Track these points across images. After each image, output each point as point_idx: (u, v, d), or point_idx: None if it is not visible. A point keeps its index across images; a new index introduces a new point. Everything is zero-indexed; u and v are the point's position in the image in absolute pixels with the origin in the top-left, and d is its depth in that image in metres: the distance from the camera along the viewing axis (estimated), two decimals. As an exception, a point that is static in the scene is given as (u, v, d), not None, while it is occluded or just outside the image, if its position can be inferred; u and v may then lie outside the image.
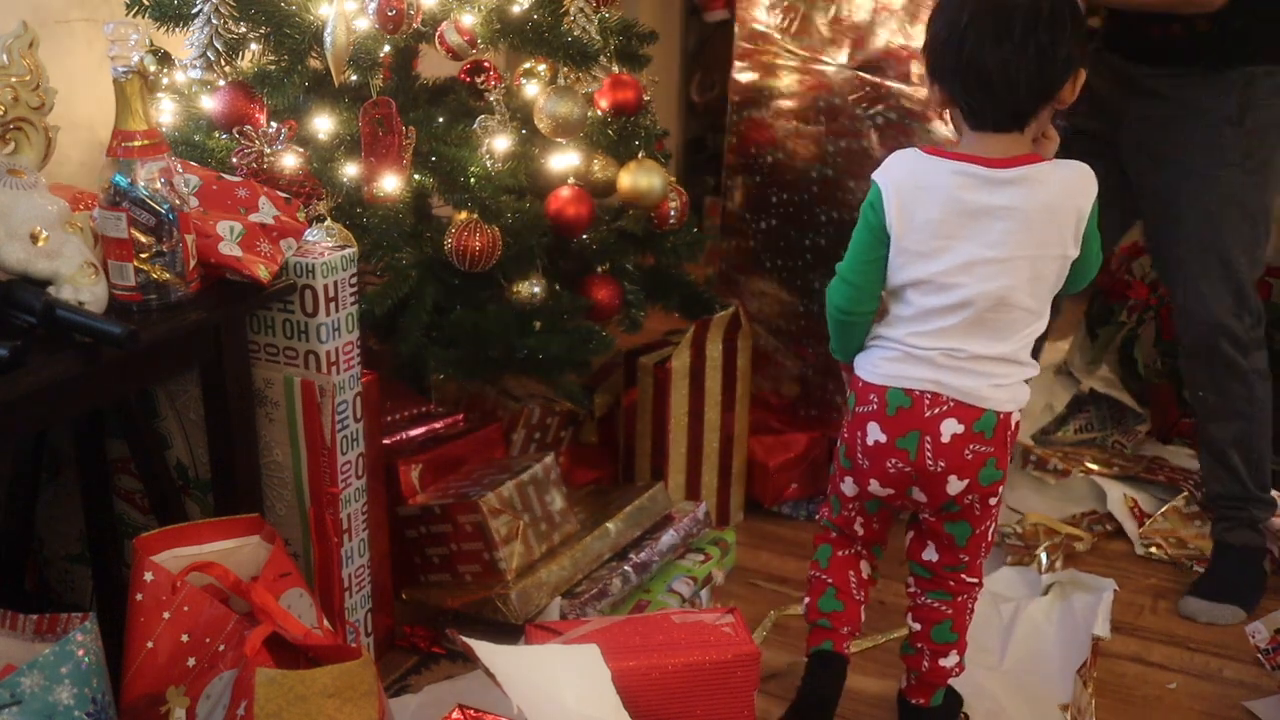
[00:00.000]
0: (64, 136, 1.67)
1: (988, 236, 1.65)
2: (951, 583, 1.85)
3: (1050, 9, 1.60)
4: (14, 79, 1.56)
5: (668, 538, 2.30)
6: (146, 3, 2.06)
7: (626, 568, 2.20)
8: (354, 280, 1.82)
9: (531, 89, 2.25)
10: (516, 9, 2.15)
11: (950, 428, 1.70)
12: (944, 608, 1.85)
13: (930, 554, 1.85)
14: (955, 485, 1.73)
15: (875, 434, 1.74)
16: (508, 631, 2.06)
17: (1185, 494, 2.59)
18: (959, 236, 1.66)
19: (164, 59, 2.10)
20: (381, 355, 2.19)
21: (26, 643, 1.57)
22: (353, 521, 1.89)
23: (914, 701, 1.92)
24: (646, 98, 2.30)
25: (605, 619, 1.84)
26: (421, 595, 2.19)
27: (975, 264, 1.66)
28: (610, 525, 2.25)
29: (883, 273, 1.73)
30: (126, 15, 2.07)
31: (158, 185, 1.58)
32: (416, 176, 2.10)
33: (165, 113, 2.07)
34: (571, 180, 2.23)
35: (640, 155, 2.29)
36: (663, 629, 1.79)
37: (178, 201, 1.59)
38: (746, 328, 2.53)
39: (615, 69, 2.28)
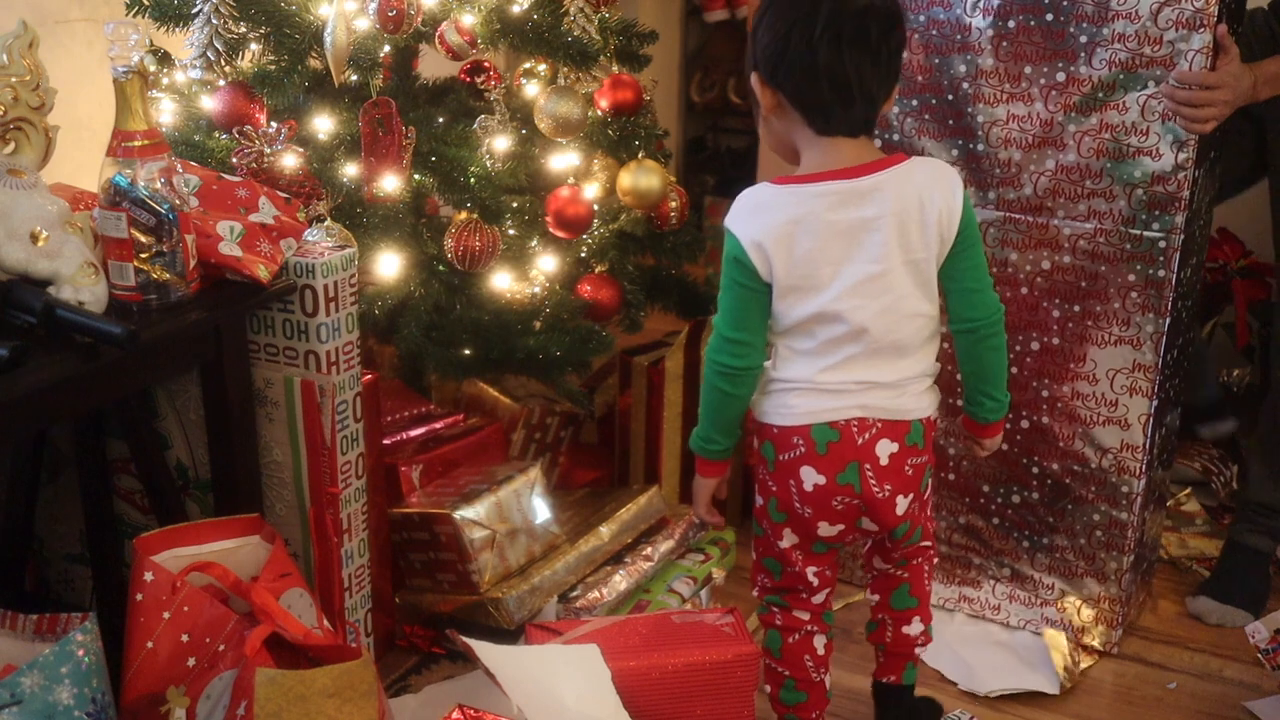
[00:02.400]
0: (64, 136, 1.67)
1: (868, 251, 1.58)
2: (910, 550, 1.81)
3: (894, 14, 1.57)
4: (14, 79, 1.56)
5: (664, 542, 2.29)
6: (146, 3, 2.06)
7: (622, 572, 2.20)
8: (354, 280, 1.81)
9: (531, 89, 2.25)
10: (516, 9, 2.15)
11: (886, 449, 1.64)
12: (899, 572, 1.82)
13: (880, 563, 1.84)
14: (902, 504, 1.68)
15: (813, 478, 1.64)
16: (502, 636, 2.06)
17: (1188, 492, 2.58)
18: (842, 259, 1.59)
19: (164, 59, 2.10)
20: (381, 355, 2.19)
21: (26, 643, 1.57)
22: (353, 521, 1.89)
23: (885, 680, 1.88)
24: (646, 98, 2.30)
25: (605, 619, 1.84)
26: (414, 599, 2.19)
27: (863, 283, 1.59)
28: (603, 529, 2.25)
29: (765, 320, 1.64)
30: (126, 15, 2.07)
31: (158, 185, 1.58)
32: (416, 176, 2.10)
33: (165, 113, 2.07)
34: (571, 180, 2.23)
35: (640, 155, 2.29)
36: (663, 629, 1.79)
37: (178, 201, 1.59)
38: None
39: (615, 69, 2.28)
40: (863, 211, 1.58)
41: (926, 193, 1.60)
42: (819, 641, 1.79)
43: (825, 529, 1.69)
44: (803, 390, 1.64)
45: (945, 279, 1.66)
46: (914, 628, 1.85)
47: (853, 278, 1.59)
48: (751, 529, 1.79)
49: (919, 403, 1.67)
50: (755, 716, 1.77)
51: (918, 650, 1.87)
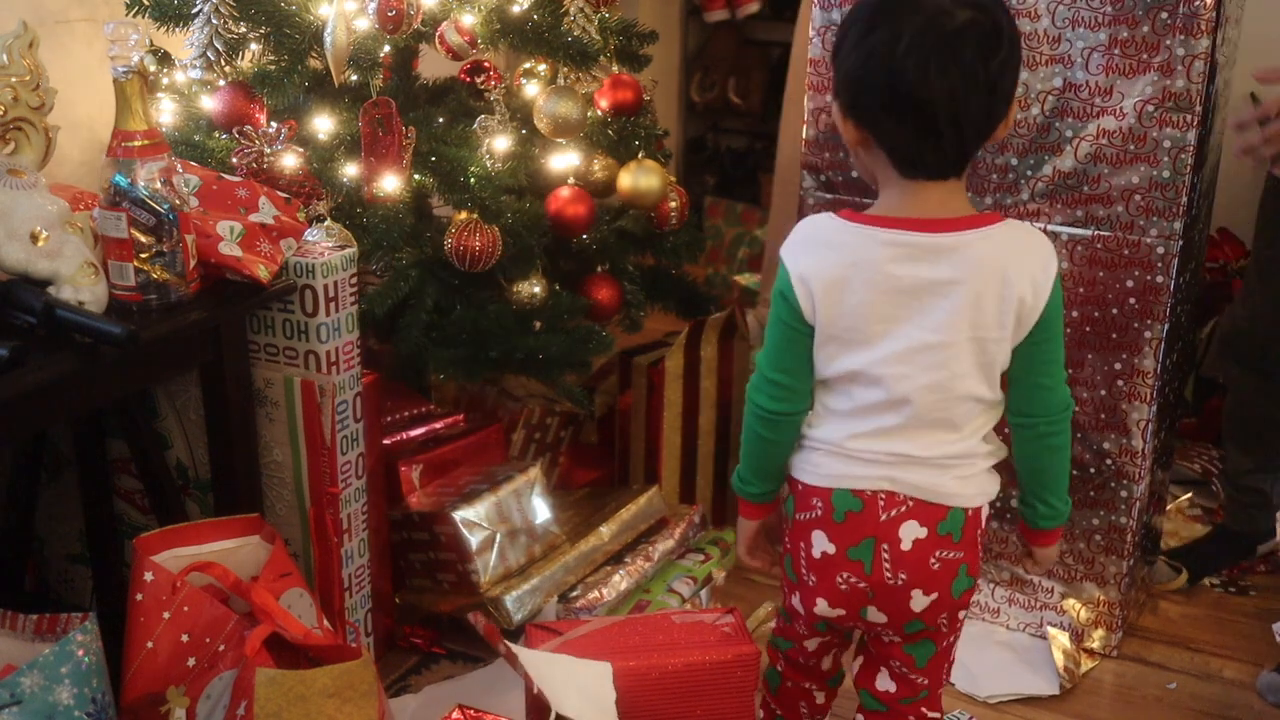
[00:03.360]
0: (64, 136, 1.67)
1: (931, 318, 1.38)
2: (911, 718, 1.59)
3: (998, 29, 1.32)
4: (14, 79, 1.56)
5: (664, 542, 2.29)
6: (146, 3, 2.06)
7: (622, 572, 2.20)
8: (354, 280, 1.82)
9: (531, 89, 2.25)
10: (516, 9, 2.15)
11: (911, 532, 1.43)
12: None
13: (885, 683, 1.58)
14: (921, 601, 1.45)
15: (822, 544, 1.46)
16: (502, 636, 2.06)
17: (1190, 495, 2.59)
18: (897, 319, 1.39)
19: (164, 59, 2.10)
20: (381, 355, 2.19)
21: (26, 643, 1.57)
22: (353, 521, 1.89)
23: None
24: (646, 98, 2.30)
25: (605, 619, 1.84)
26: (414, 599, 2.19)
27: (916, 351, 1.39)
28: (604, 529, 2.25)
29: (810, 363, 1.46)
30: (126, 15, 2.07)
31: (158, 185, 1.58)
32: (416, 176, 2.10)
33: (165, 113, 2.07)
34: (571, 180, 2.23)
35: (640, 155, 2.29)
36: (663, 629, 1.79)
37: (178, 201, 1.59)
38: (743, 329, 2.53)
39: (615, 69, 2.29)
40: (935, 272, 1.37)
41: (1015, 266, 1.38)
42: (819, 695, 1.68)
43: (823, 608, 1.49)
44: (828, 452, 1.46)
45: (1013, 367, 1.45)
46: None
47: (905, 342, 1.39)
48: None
49: (964, 488, 1.44)
50: (755, 716, 1.77)
51: None
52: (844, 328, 1.41)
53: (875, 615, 1.48)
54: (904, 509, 1.43)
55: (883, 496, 1.44)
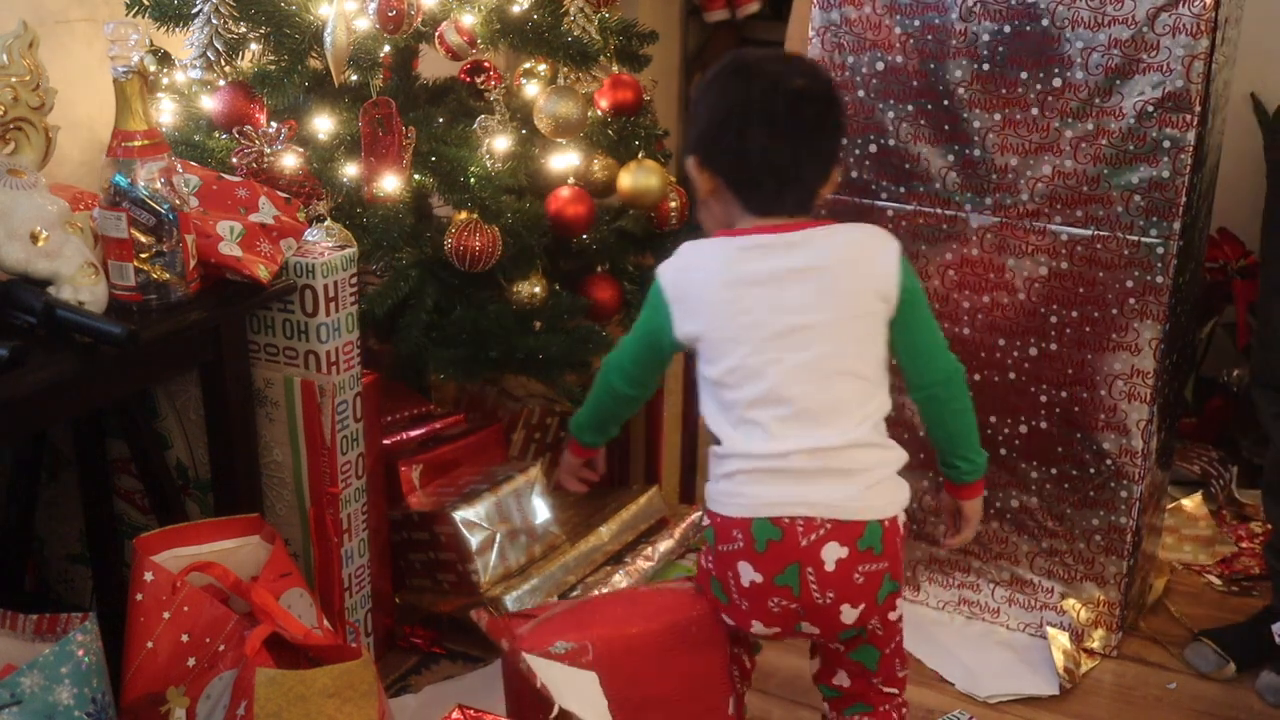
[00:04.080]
0: (64, 136, 1.67)
1: (792, 302, 1.50)
2: (872, 694, 1.65)
3: (828, 97, 1.53)
4: (14, 79, 1.56)
5: (664, 542, 2.29)
6: (146, 3, 2.06)
7: (622, 572, 2.20)
8: (354, 280, 1.82)
9: (531, 89, 2.25)
10: (516, 9, 2.15)
11: (833, 553, 1.48)
12: (866, 719, 1.66)
13: (841, 679, 1.65)
14: (850, 614, 1.52)
15: (749, 574, 1.51)
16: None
17: (1196, 498, 2.58)
18: (759, 309, 1.50)
19: (164, 59, 2.10)
20: (381, 355, 2.19)
21: (26, 643, 1.57)
22: (353, 521, 1.89)
23: None
24: (646, 98, 2.30)
25: (572, 600, 1.83)
26: (414, 599, 2.19)
27: (782, 334, 1.50)
28: (603, 529, 2.25)
29: (663, 367, 1.67)
30: (126, 15, 2.07)
31: (158, 185, 1.58)
32: (416, 176, 2.10)
33: (165, 113, 2.07)
34: (571, 180, 2.23)
35: (640, 155, 2.30)
36: (631, 598, 1.80)
37: (178, 201, 1.59)
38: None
39: (615, 69, 2.29)
40: (789, 260, 1.51)
41: (860, 250, 1.55)
42: (746, 659, 1.73)
43: (759, 628, 1.57)
44: (744, 472, 1.52)
45: (896, 346, 1.57)
46: None
47: (770, 328, 1.51)
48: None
49: (876, 499, 1.50)
50: (730, 672, 1.72)
51: None
52: (716, 328, 1.53)
53: (809, 628, 1.55)
54: (822, 531, 1.48)
55: (800, 523, 1.48)
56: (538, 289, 2.19)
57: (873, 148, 2.12)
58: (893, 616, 1.59)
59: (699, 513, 2.37)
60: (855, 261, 1.53)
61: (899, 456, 1.55)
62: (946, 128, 2.05)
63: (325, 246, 1.80)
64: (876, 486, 1.51)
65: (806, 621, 1.54)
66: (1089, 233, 1.99)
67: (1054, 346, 2.07)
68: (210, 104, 2.01)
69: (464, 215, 2.08)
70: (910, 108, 2.07)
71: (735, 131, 1.50)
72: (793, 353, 1.50)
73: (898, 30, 2.04)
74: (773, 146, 1.50)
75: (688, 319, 1.56)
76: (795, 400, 1.50)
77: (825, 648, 1.64)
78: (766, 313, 1.51)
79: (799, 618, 1.53)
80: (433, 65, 2.27)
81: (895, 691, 1.65)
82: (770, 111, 1.49)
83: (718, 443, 1.56)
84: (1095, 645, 2.18)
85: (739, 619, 1.58)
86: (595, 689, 1.63)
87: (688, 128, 1.60)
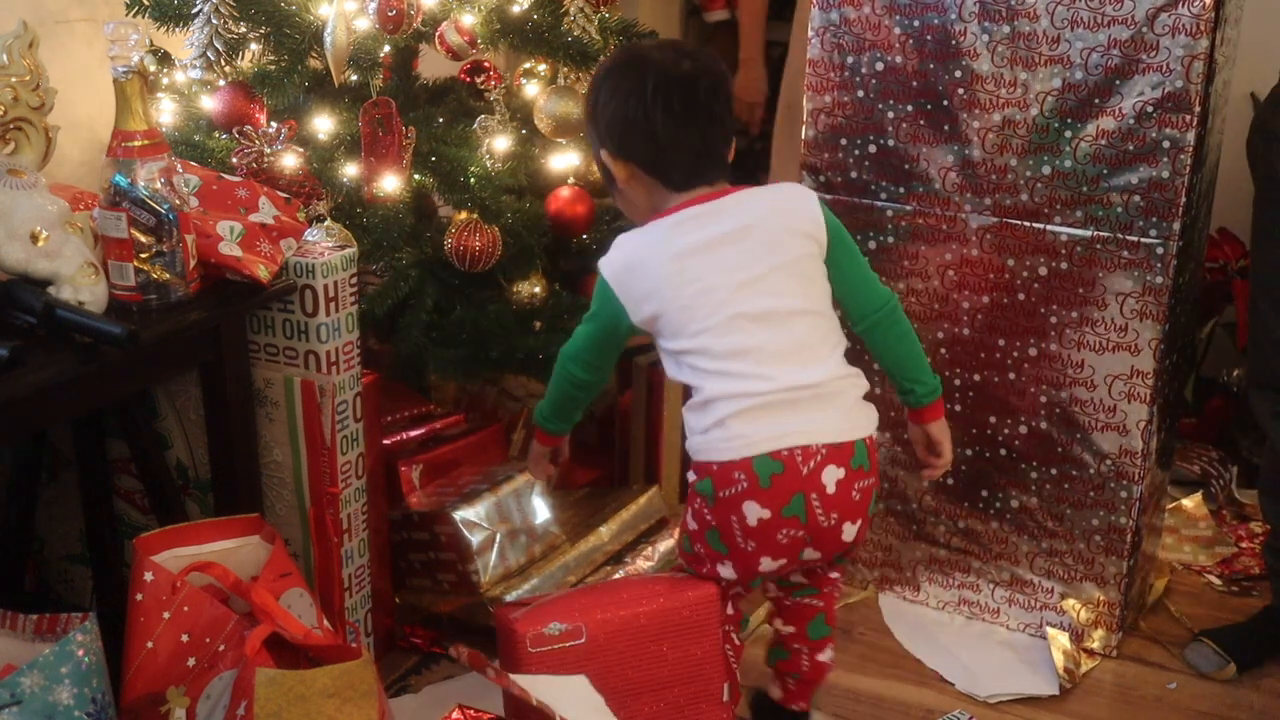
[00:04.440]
0: (64, 136, 1.67)
1: (733, 261, 1.61)
2: (817, 577, 1.79)
3: (716, 73, 1.64)
4: (14, 79, 1.57)
5: (664, 542, 2.29)
6: (146, 3, 2.06)
7: (622, 572, 2.20)
8: (354, 280, 1.82)
9: (531, 89, 2.25)
10: (516, 9, 2.15)
11: (833, 475, 1.59)
12: (814, 601, 1.80)
13: (797, 576, 1.80)
14: (850, 531, 1.64)
15: (755, 512, 1.59)
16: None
17: (1197, 497, 2.58)
18: (709, 273, 1.61)
19: (164, 59, 2.10)
20: (381, 355, 2.19)
21: (26, 643, 1.57)
22: (353, 521, 1.89)
23: (796, 708, 1.86)
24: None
25: (567, 590, 1.84)
26: (414, 599, 2.19)
27: (734, 290, 1.60)
28: (603, 529, 2.25)
29: (619, 350, 1.74)
30: (126, 15, 2.07)
31: (158, 185, 1.58)
32: (416, 176, 2.10)
33: (165, 113, 2.07)
34: (571, 180, 2.23)
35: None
36: (626, 584, 1.81)
37: (178, 201, 1.59)
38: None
39: (615, 69, 2.28)
40: (719, 227, 1.62)
41: (783, 202, 1.67)
42: (735, 638, 1.80)
43: (767, 564, 1.64)
44: (732, 415, 1.59)
45: (834, 283, 1.68)
46: (827, 654, 1.84)
47: (726, 289, 1.60)
48: (679, 540, 1.76)
49: (856, 419, 1.63)
50: (724, 654, 1.74)
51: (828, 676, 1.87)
52: (670, 302, 1.61)
53: (810, 554, 1.65)
54: (820, 457, 1.59)
55: (799, 452, 1.58)
56: (538, 289, 2.19)
57: (872, 148, 2.12)
58: (872, 517, 1.72)
59: None
60: (781, 211, 1.65)
61: (864, 381, 1.68)
62: (946, 128, 2.05)
63: (325, 246, 1.80)
64: (854, 408, 1.64)
65: (810, 548, 1.63)
66: (1089, 233, 1.99)
67: (1054, 346, 2.07)
68: (210, 104, 2.01)
69: (464, 215, 2.08)
70: (910, 108, 2.07)
71: (642, 120, 1.60)
72: (748, 305, 1.60)
73: (897, 30, 2.04)
74: (679, 128, 1.61)
75: (641, 304, 1.64)
76: (763, 347, 1.60)
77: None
78: (714, 275, 1.60)
79: (805, 545, 1.63)
80: (433, 65, 2.27)
81: (837, 574, 1.81)
82: (668, 97, 1.60)
83: (692, 395, 1.65)
84: (1095, 645, 2.18)
85: (744, 564, 1.65)
86: (588, 691, 1.64)
87: (588, 124, 1.69)
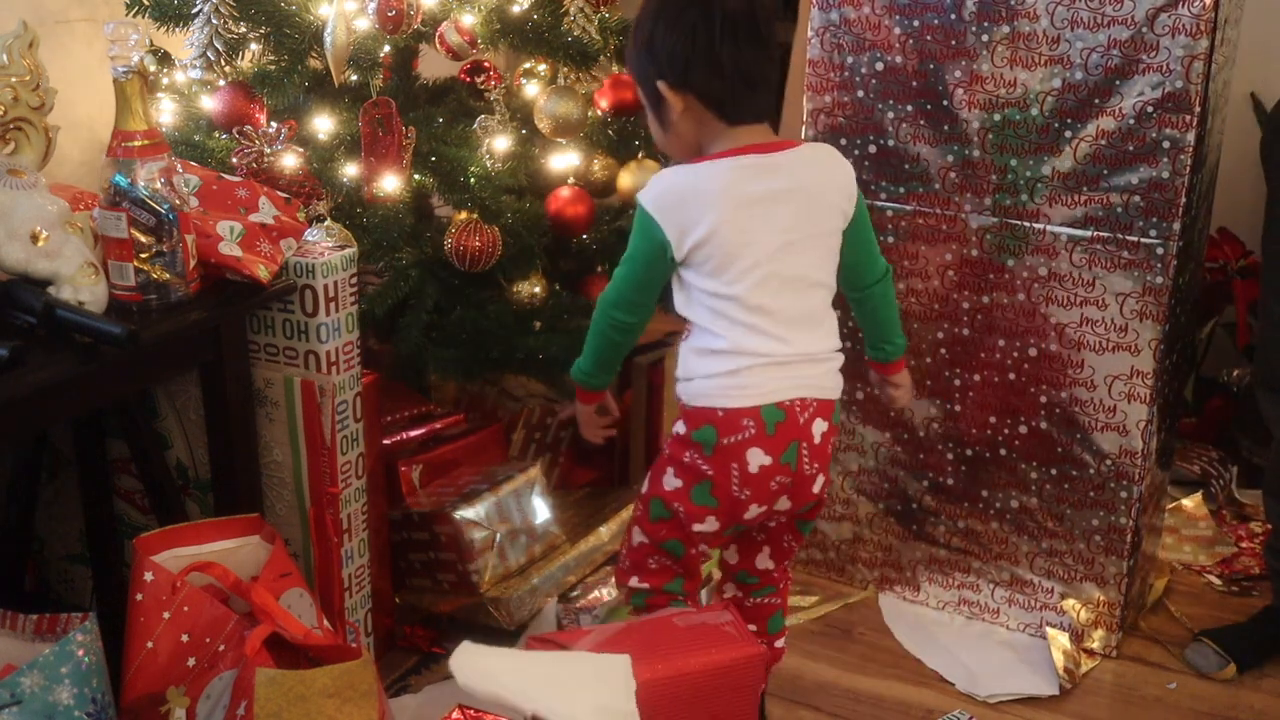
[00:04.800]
0: (64, 136, 1.67)
1: (780, 222, 1.65)
2: (776, 574, 1.87)
3: (773, 6, 1.70)
4: (14, 79, 1.57)
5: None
6: (146, 3, 2.06)
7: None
8: (354, 280, 1.82)
9: (531, 89, 2.25)
10: (516, 9, 2.15)
11: (819, 428, 1.70)
12: (774, 599, 1.89)
13: (765, 561, 1.85)
14: (819, 483, 1.74)
15: (759, 459, 1.67)
16: (502, 636, 2.06)
17: (1197, 498, 2.58)
18: (754, 229, 1.65)
19: (164, 59, 2.10)
20: (381, 355, 2.19)
21: (26, 643, 1.57)
22: (353, 521, 1.89)
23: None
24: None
25: (607, 627, 1.82)
26: (414, 599, 2.19)
27: (777, 250, 1.65)
28: (603, 529, 2.25)
29: (660, 286, 1.74)
30: (126, 15, 2.07)
31: (158, 185, 1.58)
32: (416, 176, 2.10)
33: (165, 113, 2.07)
34: (571, 180, 2.23)
35: (640, 155, 2.29)
36: (667, 633, 1.78)
37: (178, 201, 1.59)
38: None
39: (615, 69, 2.28)
40: (776, 183, 1.66)
41: (828, 172, 1.71)
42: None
43: (753, 511, 1.72)
44: (748, 369, 1.66)
45: (845, 250, 1.74)
46: (782, 640, 1.94)
47: (769, 247, 1.65)
48: (643, 513, 1.79)
49: (836, 381, 1.74)
50: (760, 706, 1.75)
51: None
52: (711, 248, 1.64)
53: (782, 504, 1.73)
54: (812, 409, 1.69)
55: (798, 403, 1.68)
56: (538, 289, 2.19)
57: (872, 148, 2.12)
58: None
59: None
60: (828, 181, 1.70)
61: (842, 350, 1.76)
62: (946, 128, 2.05)
63: (325, 246, 1.80)
64: (835, 371, 1.73)
65: (786, 495, 1.72)
66: (1089, 233, 1.99)
67: (1054, 346, 2.07)
68: (210, 104, 2.01)
69: (464, 215, 2.08)
70: (910, 108, 2.07)
71: (704, 49, 1.62)
72: (784, 267, 1.66)
73: (897, 30, 2.04)
74: (743, 57, 1.63)
75: (689, 234, 1.64)
76: (785, 310, 1.67)
77: (767, 528, 1.82)
78: (764, 230, 1.65)
79: (785, 492, 1.71)
80: (433, 65, 2.27)
81: (788, 564, 1.90)
82: (734, 25, 1.62)
83: (698, 339, 1.69)
84: (1095, 645, 2.18)
85: (735, 509, 1.71)
86: (624, 676, 1.61)
87: (640, 55, 1.69)
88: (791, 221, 1.66)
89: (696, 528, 1.74)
